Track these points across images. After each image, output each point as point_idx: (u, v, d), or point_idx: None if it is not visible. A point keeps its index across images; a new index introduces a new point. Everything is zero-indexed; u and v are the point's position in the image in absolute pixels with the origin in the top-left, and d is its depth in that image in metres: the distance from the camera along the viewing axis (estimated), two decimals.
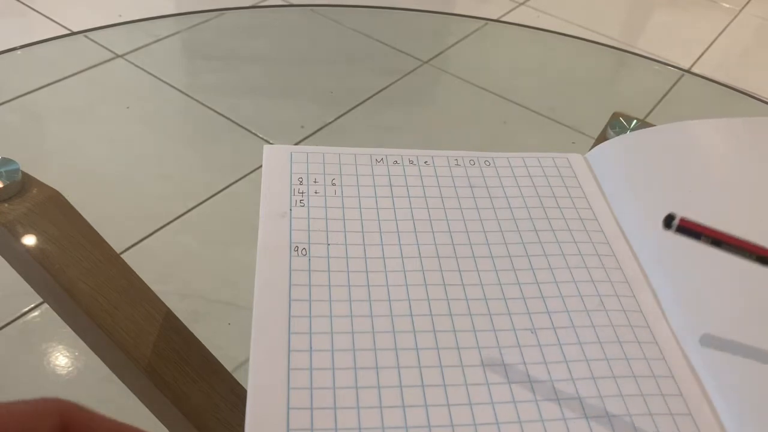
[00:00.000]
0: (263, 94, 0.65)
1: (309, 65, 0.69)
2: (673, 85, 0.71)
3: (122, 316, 0.33)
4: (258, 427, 0.26)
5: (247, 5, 1.51)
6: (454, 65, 0.73)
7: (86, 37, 0.69)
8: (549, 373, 0.29)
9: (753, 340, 0.31)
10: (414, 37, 0.77)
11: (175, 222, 0.48)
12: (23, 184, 0.38)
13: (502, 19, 1.68)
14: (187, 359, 0.32)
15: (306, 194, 0.36)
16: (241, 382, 0.32)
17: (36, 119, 0.60)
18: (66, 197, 0.38)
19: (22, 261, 0.36)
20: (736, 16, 1.85)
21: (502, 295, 0.32)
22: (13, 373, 0.38)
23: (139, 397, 0.33)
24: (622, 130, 0.47)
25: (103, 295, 0.34)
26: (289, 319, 0.30)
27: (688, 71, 0.78)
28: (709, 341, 0.31)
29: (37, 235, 0.36)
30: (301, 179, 0.37)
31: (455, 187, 0.38)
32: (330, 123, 0.62)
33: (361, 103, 0.65)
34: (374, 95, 0.66)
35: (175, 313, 0.34)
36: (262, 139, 0.59)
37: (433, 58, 0.73)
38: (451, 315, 0.31)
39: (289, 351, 0.28)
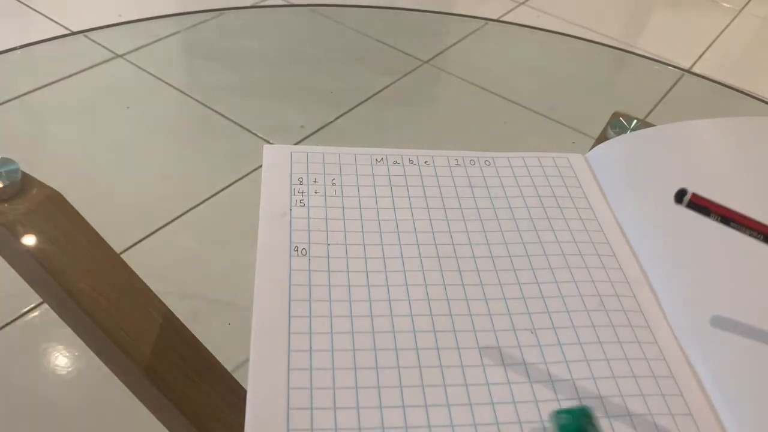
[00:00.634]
0: (263, 94, 0.65)
1: (309, 65, 0.69)
2: (673, 85, 0.71)
3: (122, 316, 0.33)
4: (258, 427, 0.26)
5: (247, 5, 1.51)
6: (454, 65, 0.73)
7: (86, 37, 0.69)
8: (549, 373, 0.29)
9: (753, 339, 0.31)
10: (414, 37, 0.77)
11: (175, 222, 0.48)
12: (23, 184, 0.38)
13: (502, 19, 1.68)
14: (187, 359, 0.32)
15: (306, 194, 0.36)
16: (241, 382, 0.32)
17: (36, 119, 0.60)
18: (66, 197, 0.38)
19: (22, 261, 0.36)
20: (736, 16, 1.85)
21: (502, 295, 0.32)
22: (13, 373, 0.38)
23: (139, 397, 0.33)
24: (622, 130, 0.47)
25: (103, 295, 0.34)
26: (289, 319, 0.30)
27: (688, 71, 0.78)
28: (709, 341, 0.31)
29: (37, 235, 0.36)
30: (301, 179, 0.37)
31: (455, 187, 0.38)
32: (330, 123, 0.62)
33: (361, 103, 0.65)
34: (374, 95, 0.66)
35: (175, 313, 0.34)
36: (262, 139, 0.59)
37: (433, 58, 0.73)
38: (451, 315, 0.31)
39: (289, 351, 0.28)
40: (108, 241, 0.36)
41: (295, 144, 0.56)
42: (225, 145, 0.59)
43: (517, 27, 0.94)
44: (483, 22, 0.83)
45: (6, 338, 0.38)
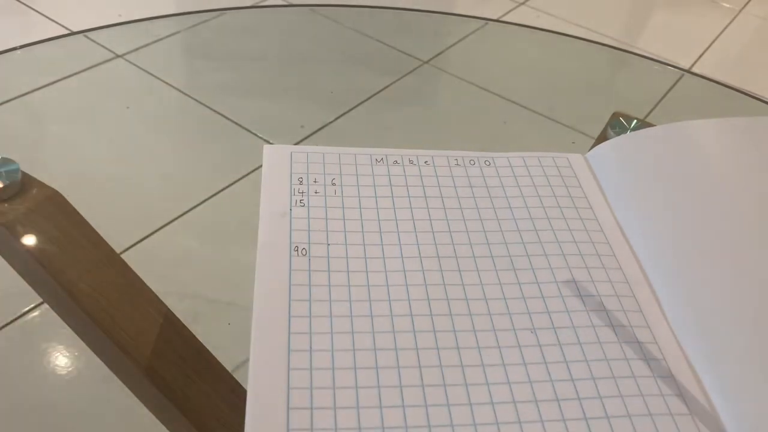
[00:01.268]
0: (263, 94, 0.65)
1: (309, 65, 0.69)
2: (673, 85, 0.71)
3: (122, 316, 0.33)
4: (258, 427, 0.26)
5: (247, 5, 1.51)
6: (454, 65, 0.73)
7: (86, 37, 0.69)
8: (549, 373, 0.29)
9: (753, 339, 0.31)
10: (414, 37, 0.77)
11: (175, 222, 0.48)
12: (23, 184, 0.38)
13: (502, 19, 1.68)
14: (187, 359, 0.32)
15: (306, 194, 0.36)
16: (241, 382, 0.32)
17: (36, 119, 0.60)
18: (66, 197, 0.38)
19: (22, 261, 0.36)
20: (736, 16, 1.85)
21: (502, 295, 0.32)
22: (13, 373, 0.38)
23: (139, 398, 0.33)
24: (622, 130, 0.47)
25: (103, 295, 0.34)
26: (289, 319, 0.30)
27: (688, 71, 0.78)
28: (709, 341, 0.31)
29: (37, 235, 0.36)
30: (301, 179, 0.37)
31: (455, 187, 0.38)
32: (330, 123, 0.62)
33: (361, 103, 0.65)
34: (374, 95, 0.66)
35: (175, 313, 0.34)
36: (262, 139, 0.59)
37: (433, 58, 0.73)
38: (451, 315, 0.31)
39: (289, 351, 0.28)
40: (108, 241, 0.36)
41: (295, 144, 0.56)
42: (225, 145, 0.59)
43: (517, 27, 0.95)
44: (483, 22, 0.83)
45: (6, 338, 0.38)
